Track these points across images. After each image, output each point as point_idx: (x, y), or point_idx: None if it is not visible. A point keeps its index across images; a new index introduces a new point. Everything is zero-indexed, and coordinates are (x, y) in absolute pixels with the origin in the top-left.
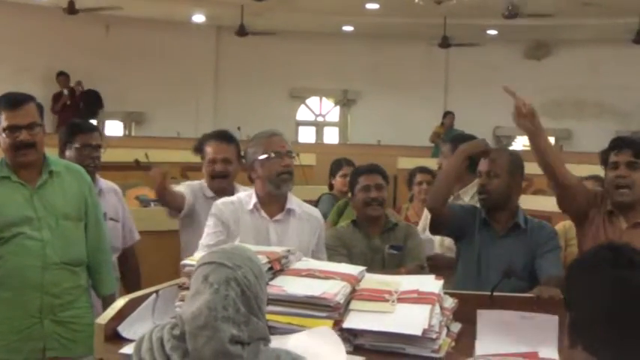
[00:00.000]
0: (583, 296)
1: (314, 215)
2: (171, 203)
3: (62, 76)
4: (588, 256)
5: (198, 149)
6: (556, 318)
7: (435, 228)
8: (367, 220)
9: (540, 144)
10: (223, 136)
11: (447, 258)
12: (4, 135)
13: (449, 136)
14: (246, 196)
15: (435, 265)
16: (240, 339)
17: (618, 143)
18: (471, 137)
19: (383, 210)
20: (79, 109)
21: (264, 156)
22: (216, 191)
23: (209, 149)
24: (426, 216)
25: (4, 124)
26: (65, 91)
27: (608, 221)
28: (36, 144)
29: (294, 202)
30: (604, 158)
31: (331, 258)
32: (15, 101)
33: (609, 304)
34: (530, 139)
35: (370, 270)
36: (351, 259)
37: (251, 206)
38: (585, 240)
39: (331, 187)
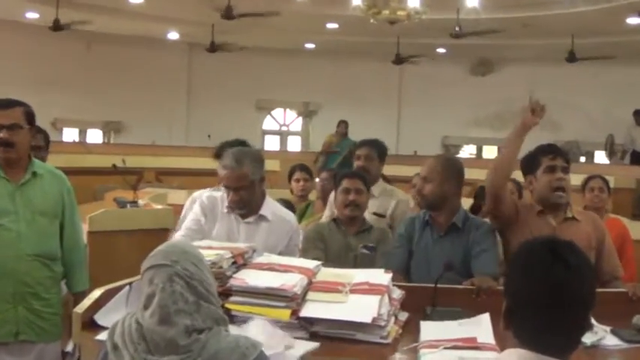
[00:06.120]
0: (519, 291)
1: (287, 219)
2: None
3: None
4: (527, 252)
5: (218, 155)
6: (487, 315)
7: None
8: (345, 220)
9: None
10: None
11: None
12: None
13: (344, 144)
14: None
15: None
16: (195, 327)
17: (553, 149)
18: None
19: (360, 212)
20: None
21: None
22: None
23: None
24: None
25: None
26: None
27: (538, 220)
28: (15, 144)
29: (268, 208)
30: (530, 163)
31: (308, 251)
32: (2, 104)
33: (540, 302)
34: (521, 135)
35: (343, 266)
36: (327, 254)
37: (226, 208)
38: (516, 238)
39: (292, 190)
